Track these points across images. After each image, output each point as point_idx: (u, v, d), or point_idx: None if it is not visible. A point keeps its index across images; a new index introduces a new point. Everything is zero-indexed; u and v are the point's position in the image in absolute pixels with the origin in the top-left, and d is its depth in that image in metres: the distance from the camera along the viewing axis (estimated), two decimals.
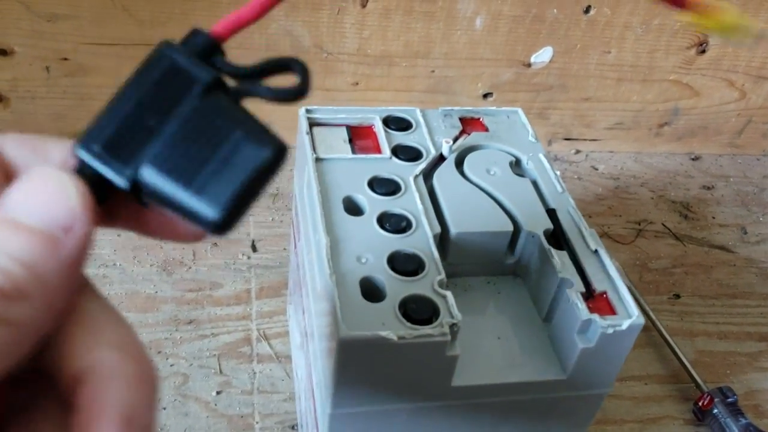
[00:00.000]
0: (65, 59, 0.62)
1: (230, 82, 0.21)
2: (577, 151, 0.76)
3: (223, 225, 0.19)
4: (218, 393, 0.49)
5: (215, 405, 0.48)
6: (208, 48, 0.20)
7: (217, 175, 0.19)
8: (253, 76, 0.21)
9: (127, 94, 0.20)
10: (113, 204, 0.20)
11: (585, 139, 0.76)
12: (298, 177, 0.46)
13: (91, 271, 0.55)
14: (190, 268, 0.57)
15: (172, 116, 0.19)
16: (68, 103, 0.64)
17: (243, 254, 0.59)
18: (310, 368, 0.40)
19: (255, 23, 0.21)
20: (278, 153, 0.19)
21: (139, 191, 0.19)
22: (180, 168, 0.19)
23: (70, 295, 0.19)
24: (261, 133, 0.19)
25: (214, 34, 0.21)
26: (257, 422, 0.48)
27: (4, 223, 0.18)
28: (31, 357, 0.18)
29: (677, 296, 0.62)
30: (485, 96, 0.70)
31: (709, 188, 0.75)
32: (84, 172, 0.19)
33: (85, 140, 0.19)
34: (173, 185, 0.19)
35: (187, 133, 0.19)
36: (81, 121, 0.67)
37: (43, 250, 0.18)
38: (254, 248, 0.60)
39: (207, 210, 0.19)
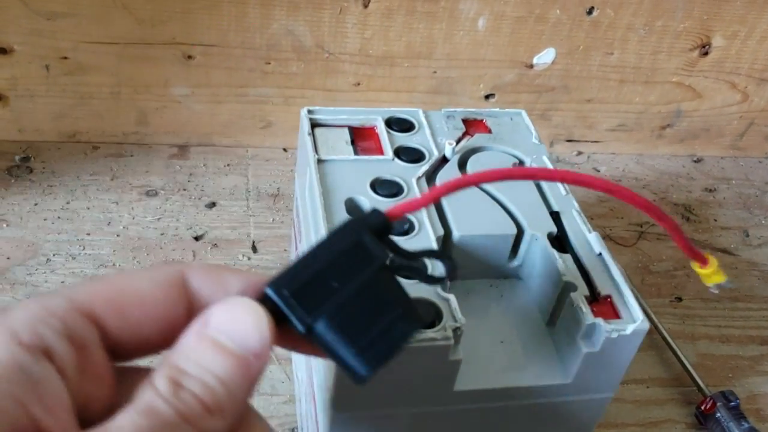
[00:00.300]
0: (65, 58, 0.61)
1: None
2: (579, 153, 0.76)
3: (367, 380, 0.23)
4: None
5: None
6: (383, 226, 0.25)
7: (376, 342, 0.23)
8: (410, 257, 0.25)
9: (317, 254, 0.24)
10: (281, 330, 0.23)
11: (587, 141, 0.76)
12: (299, 178, 0.46)
13: (89, 271, 0.55)
14: None
15: (350, 282, 0.23)
16: (68, 101, 0.64)
17: (243, 255, 0.59)
18: (311, 371, 0.40)
19: (418, 210, 0.26)
20: (422, 328, 0.25)
21: (309, 335, 0.23)
22: (348, 329, 0.23)
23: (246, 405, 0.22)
24: (412, 312, 0.24)
25: (389, 216, 0.25)
26: None
27: (209, 344, 0.21)
28: None
29: (679, 299, 0.62)
30: (487, 97, 0.70)
31: (711, 191, 0.74)
32: (269, 306, 0.22)
33: (279, 284, 0.23)
34: (339, 341, 0.23)
35: (359, 300, 0.23)
36: (80, 120, 0.67)
37: (239, 372, 0.21)
38: (254, 249, 0.59)
39: (360, 367, 0.23)
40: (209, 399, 0.20)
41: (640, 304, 0.57)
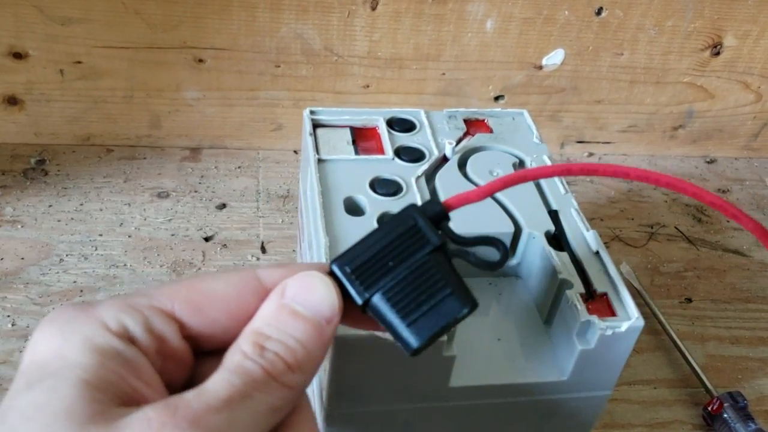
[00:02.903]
0: (79, 62, 0.62)
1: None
2: (590, 154, 0.76)
3: (417, 352, 0.25)
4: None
5: None
6: (440, 214, 0.27)
7: (425, 317, 0.25)
8: (466, 243, 0.27)
9: (378, 236, 0.26)
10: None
11: (598, 142, 0.75)
12: (303, 178, 0.47)
13: (101, 271, 0.56)
14: (199, 269, 0.58)
15: (405, 262, 0.26)
16: (82, 105, 0.65)
17: (252, 256, 0.59)
18: None
19: (476, 202, 0.28)
20: (472, 309, 0.26)
21: (365, 308, 0.26)
22: (400, 303, 0.25)
23: (320, 367, 0.25)
24: (463, 292, 0.26)
25: (446, 205, 0.27)
26: None
27: (288, 311, 0.24)
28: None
29: (689, 300, 0.61)
30: (497, 99, 0.70)
31: (724, 192, 0.74)
32: (334, 281, 0.25)
33: (342, 261, 0.26)
34: (392, 314, 0.25)
35: (412, 278, 0.25)
36: (94, 123, 0.68)
37: (314, 335, 0.24)
38: (263, 250, 0.60)
39: (411, 339, 0.25)
40: (290, 358, 0.23)
41: (648, 305, 0.57)
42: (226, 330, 0.25)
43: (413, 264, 0.26)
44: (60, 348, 0.21)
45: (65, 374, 0.21)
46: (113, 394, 0.21)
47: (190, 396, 0.21)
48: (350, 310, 0.26)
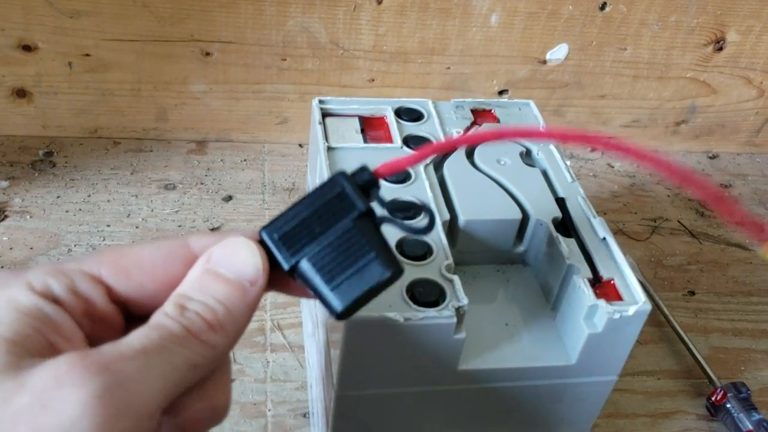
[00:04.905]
0: (87, 55, 0.63)
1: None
2: (593, 149, 0.76)
3: (342, 316, 0.25)
4: (231, 381, 0.50)
5: None
6: (369, 182, 0.27)
7: (349, 281, 0.25)
8: (395, 209, 0.27)
9: (305, 202, 0.26)
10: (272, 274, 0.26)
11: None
12: (311, 168, 0.47)
13: None
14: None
15: (332, 228, 0.26)
16: (90, 98, 0.65)
17: None
18: (320, 355, 0.41)
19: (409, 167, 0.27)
20: (395, 274, 0.25)
21: (293, 273, 0.26)
22: (326, 268, 0.25)
23: (245, 329, 0.25)
24: (387, 257, 0.26)
25: (375, 173, 0.27)
26: (269, 410, 0.48)
27: (211, 274, 0.25)
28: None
29: (692, 293, 0.62)
30: (501, 93, 0.71)
31: (726, 187, 0.74)
32: (264, 249, 0.26)
33: (270, 228, 0.26)
34: (318, 278, 0.25)
35: (338, 243, 0.26)
36: (102, 116, 0.68)
37: (236, 296, 0.24)
38: None
39: (335, 303, 0.25)
40: (211, 317, 0.24)
41: (652, 298, 0.57)
42: (153, 295, 0.25)
43: (339, 230, 0.26)
44: None
45: None
46: (31, 347, 0.22)
47: (105, 346, 0.22)
48: (281, 277, 0.26)
